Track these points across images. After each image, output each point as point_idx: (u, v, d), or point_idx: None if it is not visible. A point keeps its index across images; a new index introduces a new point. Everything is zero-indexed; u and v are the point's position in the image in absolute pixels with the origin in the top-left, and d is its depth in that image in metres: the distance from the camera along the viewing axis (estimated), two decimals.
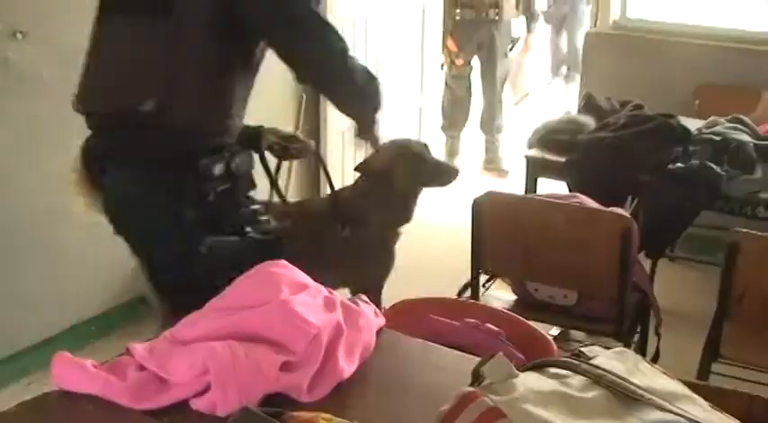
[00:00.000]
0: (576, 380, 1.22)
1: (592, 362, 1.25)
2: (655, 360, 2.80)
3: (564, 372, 1.24)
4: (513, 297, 2.93)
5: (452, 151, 5.90)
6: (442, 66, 5.69)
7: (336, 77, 2.15)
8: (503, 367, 1.20)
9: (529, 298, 2.85)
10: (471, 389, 1.16)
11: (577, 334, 3.41)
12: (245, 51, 2.12)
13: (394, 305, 1.94)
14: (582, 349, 1.31)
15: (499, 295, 2.94)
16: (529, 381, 1.21)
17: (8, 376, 3.18)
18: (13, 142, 3.16)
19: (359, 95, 2.22)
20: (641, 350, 2.89)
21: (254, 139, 2.32)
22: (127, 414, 1.39)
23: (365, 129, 2.36)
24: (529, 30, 5.81)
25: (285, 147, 2.46)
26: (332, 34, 2.10)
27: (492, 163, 5.93)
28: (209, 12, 1.99)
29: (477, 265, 2.78)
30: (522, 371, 1.24)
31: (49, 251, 3.31)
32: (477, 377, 1.21)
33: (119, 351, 1.55)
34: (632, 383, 1.19)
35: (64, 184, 3.19)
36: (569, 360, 1.27)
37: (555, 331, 3.33)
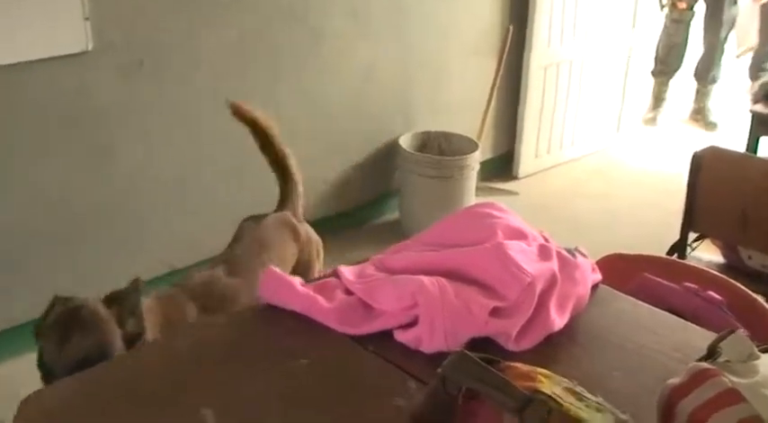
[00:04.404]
0: None
1: None
2: None
3: None
4: (721, 260, 2.74)
5: (659, 98, 5.60)
6: (662, 7, 5.33)
7: None
8: (744, 346, 1.09)
9: (739, 264, 2.65)
10: (708, 365, 1.06)
11: None
12: None
13: (606, 257, 1.84)
14: None
15: (706, 257, 2.75)
16: None
17: None
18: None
19: None
20: None
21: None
22: (330, 336, 1.38)
23: None
24: None
25: None
26: None
27: (699, 114, 5.59)
28: None
29: (688, 222, 2.60)
30: (761, 351, 1.13)
31: (238, 163, 3.34)
32: (712, 353, 1.10)
33: None
34: None
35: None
36: None
37: None
